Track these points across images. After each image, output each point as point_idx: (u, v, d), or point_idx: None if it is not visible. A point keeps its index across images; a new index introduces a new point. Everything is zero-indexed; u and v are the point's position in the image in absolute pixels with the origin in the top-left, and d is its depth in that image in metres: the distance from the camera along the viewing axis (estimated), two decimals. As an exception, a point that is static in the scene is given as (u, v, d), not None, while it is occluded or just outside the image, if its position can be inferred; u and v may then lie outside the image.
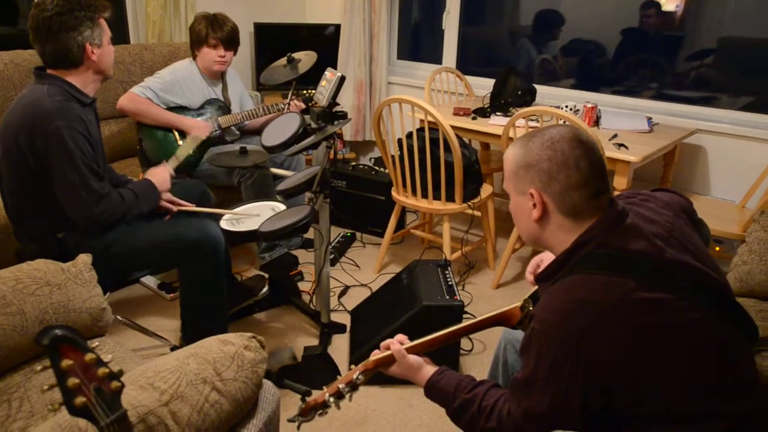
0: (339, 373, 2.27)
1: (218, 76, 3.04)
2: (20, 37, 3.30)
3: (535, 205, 1.15)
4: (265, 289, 2.73)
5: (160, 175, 2.18)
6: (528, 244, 1.29)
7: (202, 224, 2.10)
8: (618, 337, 1.00)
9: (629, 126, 2.94)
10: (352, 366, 1.41)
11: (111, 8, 1.97)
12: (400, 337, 1.41)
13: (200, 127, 2.88)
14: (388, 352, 1.38)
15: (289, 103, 2.91)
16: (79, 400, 0.85)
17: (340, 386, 1.36)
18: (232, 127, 3.04)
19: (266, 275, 2.77)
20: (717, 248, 2.89)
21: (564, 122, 2.55)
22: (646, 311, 1.02)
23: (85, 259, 1.68)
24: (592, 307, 1.02)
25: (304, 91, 3.08)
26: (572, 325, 1.01)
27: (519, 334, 1.56)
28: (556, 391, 1.02)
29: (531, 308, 1.35)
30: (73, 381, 0.84)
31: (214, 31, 2.86)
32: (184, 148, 2.58)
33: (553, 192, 1.13)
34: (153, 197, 2.11)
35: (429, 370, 1.35)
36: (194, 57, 2.97)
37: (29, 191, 1.91)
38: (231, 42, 2.92)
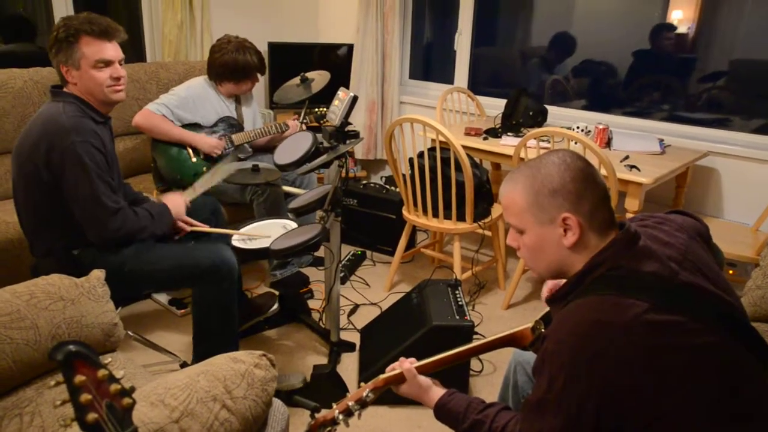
0: (348, 392, 2.26)
1: (234, 96, 3.10)
2: (38, 54, 3.37)
3: (566, 231, 1.13)
4: (274, 307, 2.73)
5: (176, 201, 2.20)
6: (545, 278, 1.27)
7: (217, 249, 2.10)
8: (631, 358, 0.99)
9: (641, 147, 2.93)
10: (362, 384, 1.41)
11: (102, 32, 1.89)
12: (406, 359, 1.41)
13: (212, 144, 2.92)
14: (398, 371, 1.38)
15: (302, 120, 2.95)
16: (91, 416, 0.85)
17: (350, 404, 1.36)
18: (245, 144, 3.07)
19: (276, 292, 2.78)
20: (730, 272, 2.86)
21: (575, 143, 2.55)
22: (659, 333, 1.01)
23: (98, 274, 1.70)
24: (605, 329, 1.01)
25: (316, 109, 3.12)
26: (585, 346, 1.01)
27: (529, 356, 1.55)
28: (569, 414, 1.01)
29: (542, 329, 1.35)
30: (85, 397, 0.84)
31: (256, 69, 2.97)
32: (206, 181, 2.46)
33: (584, 212, 1.12)
34: (167, 221, 2.13)
35: (438, 391, 1.35)
36: (218, 82, 3.00)
37: (44, 207, 1.93)
38: (264, 71, 3.03)
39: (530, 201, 1.15)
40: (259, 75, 3.03)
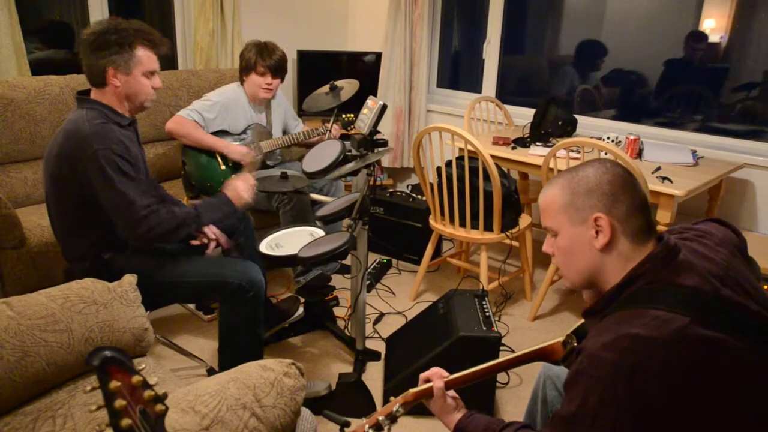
0: (373, 402, 2.25)
1: (264, 102, 3.12)
2: (75, 60, 3.45)
3: (598, 233, 1.12)
4: (299, 312, 2.73)
5: (239, 188, 2.13)
6: (577, 287, 1.26)
7: (245, 269, 2.09)
8: (670, 375, 0.97)
9: (673, 159, 2.88)
10: (392, 398, 1.40)
11: (156, 44, 1.97)
12: (438, 370, 1.40)
13: (242, 152, 2.95)
14: (428, 385, 1.37)
15: (330, 129, 2.96)
16: (125, 422, 0.86)
17: (380, 418, 1.35)
18: (276, 151, 3.10)
19: (301, 298, 2.79)
20: (765, 287, 2.79)
21: (605, 154, 2.52)
22: (699, 350, 0.98)
23: (130, 279, 1.72)
24: (644, 343, 0.99)
25: (344, 115, 3.13)
26: (623, 361, 0.98)
27: (559, 370, 1.52)
28: (602, 430, 0.99)
29: (575, 344, 1.33)
30: (120, 403, 0.85)
31: (263, 59, 2.94)
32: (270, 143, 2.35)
33: (618, 214, 1.11)
34: (225, 209, 2.08)
35: (459, 414, 1.34)
36: (242, 82, 3.05)
37: (73, 213, 1.96)
38: (278, 70, 3.00)
39: (566, 201, 1.15)
40: (269, 76, 2.97)
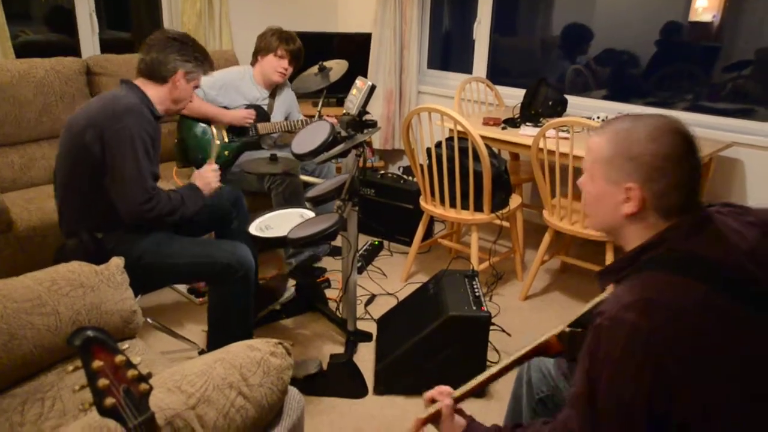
0: (364, 382, 2.26)
1: (272, 87, 3.11)
2: (71, 44, 3.41)
3: (628, 200, 1.09)
4: (290, 292, 2.73)
5: (205, 178, 2.19)
6: (595, 231, 1.23)
7: (234, 249, 2.10)
8: (685, 342, 0.95)
9: (663, 138, 2.88)
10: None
11: (210, 70, 2.23)
12: (444, 388, 1.32)
13: (243, 115, 2.98)
14: (437, 407, 1.29)
15: (319, 112, 2.95)
16: (109, 401, 0.86)
17: None
18: (272, 135, 3.10)
19: (286, 273, 2.78)
20: None
21: (584, 134, 2.52)
22: (716, 320, 0.97)
23: (117, 262, 1.72)
24: (663, 308, 0.97)
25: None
26: (641, 323, 0.96)
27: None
28: (621, 395, 0.97)
29: (567, 329, 1.31)
30: (103, 382, 0.85)
31: (285, 44, 3.01)
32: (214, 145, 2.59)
33: (653, 189, 1.07)
34: (198, 200, 2.14)
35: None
36: (254, 63, 3.08)
37: (81, 186, 1.98)
38: (296, 57, 3.06)
39: (607, 156, 1.11)
40: (286, 61, 3.04)
